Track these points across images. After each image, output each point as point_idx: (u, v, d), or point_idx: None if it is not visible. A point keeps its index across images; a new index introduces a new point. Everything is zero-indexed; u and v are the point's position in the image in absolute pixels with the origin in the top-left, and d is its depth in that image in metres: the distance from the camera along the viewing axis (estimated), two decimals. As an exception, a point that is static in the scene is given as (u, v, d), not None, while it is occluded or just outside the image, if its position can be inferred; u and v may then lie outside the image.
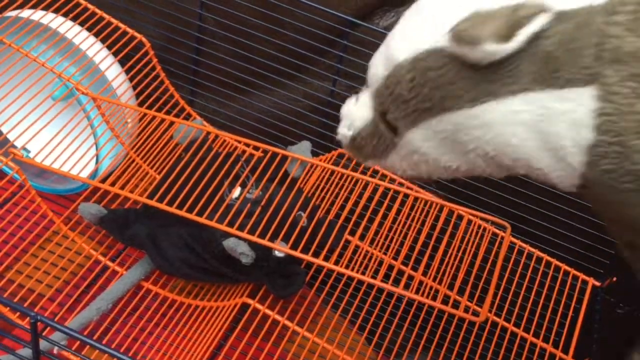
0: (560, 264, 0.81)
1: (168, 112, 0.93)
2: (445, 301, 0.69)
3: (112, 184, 0.77)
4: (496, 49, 0.37)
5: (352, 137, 0.48)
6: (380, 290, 0.78)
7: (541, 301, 0.78)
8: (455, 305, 0.76)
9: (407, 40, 0.42)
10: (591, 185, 0.40)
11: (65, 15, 0.86)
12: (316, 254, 0.64)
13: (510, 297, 0.79)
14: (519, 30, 0.37)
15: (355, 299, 0.78)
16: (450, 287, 0.80)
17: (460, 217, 0.80)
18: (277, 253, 0.70)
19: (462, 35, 0.37)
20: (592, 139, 0.38)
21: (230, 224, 0.66)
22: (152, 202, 0.68)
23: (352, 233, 0.83)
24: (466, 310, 0.78)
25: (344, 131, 0.48)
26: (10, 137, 0.88)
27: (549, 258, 0.81)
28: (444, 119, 0.42)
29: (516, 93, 0.39)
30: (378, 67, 0.45)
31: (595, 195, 0.42)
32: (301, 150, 0.78)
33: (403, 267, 0.80)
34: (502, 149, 0.41)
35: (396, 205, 0.73)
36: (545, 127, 0.39)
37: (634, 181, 0.38)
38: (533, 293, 0.79)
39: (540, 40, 0.37)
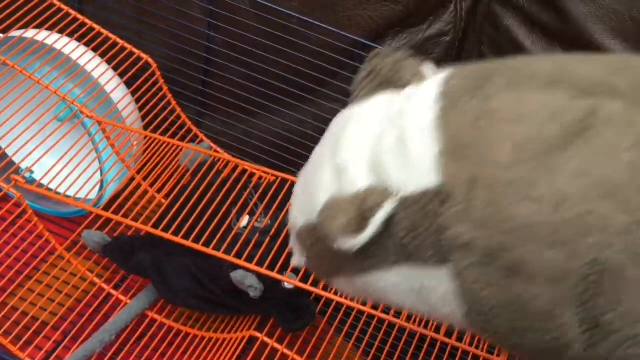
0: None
1: (175, 134, 0.91)
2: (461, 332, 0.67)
3: (118, 209, 0.75)
4: (349, 243, 0.37)
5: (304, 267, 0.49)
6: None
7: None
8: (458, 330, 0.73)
9: (299, 209, 0.44)
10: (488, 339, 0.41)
11: (70, 35, 0.84)
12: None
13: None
14: (368, 220, 0.37)
15: (369, 327, 0.76)
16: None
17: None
18: (286, 285, 0.68)
19: (319, 228, 0.39)
20: (465, 310, 0.38)
21: (238, 255, 0.64)
22: (158, 232, 0.66)
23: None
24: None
25: (297, 264, 0.49)
26: (16, 158, 0.86)
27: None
28: (347, 280, 0.43)
29: (390, 267, 0.39)
30: (290, 229, 0.46)
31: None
32: (311, 177, 0.75)
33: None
34: (404, 308, 0.42)
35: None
36: (424, 297, 0.39)
37: (513, 348, 0.38)
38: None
39: (394, 223, 0.38)
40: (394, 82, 0.42)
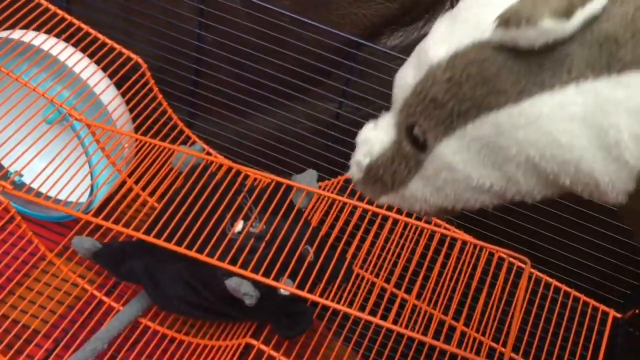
0: (579, 295, 0.77)
1: (166, 135, 0.89)
2: (461, 333, 0.65)
3: (109, 214, 0.73)
4: (554, 28, 0.34)
5: (369, 166, 0.44)
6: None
7: (561, 333, 0.75)
8: (458, 335, 0.72)
9: (445, 39, 0.39)
10: None
11: (57, 36, 0.82)
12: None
13: (528, 329, 0.75)
14: (577, 9, 0.34)
15: (368, 331, 0.74)
16: (462, 316, 0.76)
17: (479, 248, 0.77)
18: (282, 291, 0.67)
19: (516, 17, 0.35)
20: None
21: (233, 261, 0.62)
22: (149, 238, 0.65)
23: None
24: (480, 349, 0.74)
25: (361, 158, 0.44)
26: (5, 162, 0.84)
27: (567, 288, 0.77)
28: (484, 122, 0.38)
29: (568, 83, 0.35)
30: (407, 76, 0.42)
31: None
32: (306, 180, 0.74)
33: (417, 302, 0.76)
34: (549, 150, 0.37)
35: (410, 236, 0.70)
36: (600, 120, 0.35)
37: None
38: (552, 325, 0.75)
39: (597, 24, 0.35)
40: None
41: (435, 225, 0.77)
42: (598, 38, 0.35)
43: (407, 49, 0.74)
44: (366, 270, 0.80)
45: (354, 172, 0.46)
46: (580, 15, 0.34)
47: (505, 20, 0.35)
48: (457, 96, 0.38)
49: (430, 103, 0.39)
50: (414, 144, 0.42)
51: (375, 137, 0.44)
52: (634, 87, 0.34)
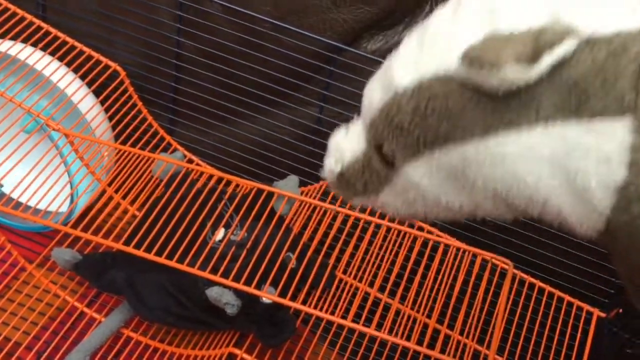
0: (563, 295, 0.77)
1: (147, 142, 0.88)
2: (446, 336, 0.65)
3: (89, 223, 0.72)
4: (518, 75, 0.33)
5: (340, 173, 0.44)
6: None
7: (545, 333, 0.75)
8: (442, 338, 0.72)
9: (411, 64, 0.38)
10: (616, 231, 0.36)
11: (34, 45, 0.81)
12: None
13: (513, 330, 0.75)
14: (543, 54, 0.33)
15: (354, 335, 0.74)
16: (446, 319, 0.76)
17: (462, 251, 0.77)
18: (264, 300, 0.66)
19: (478, 59, 0.33)
20: (624, 179, 0.33)
21: (214, 270, 0.62)
22: (129, 249, 0.64)
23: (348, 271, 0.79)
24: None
25: (332, 165, 0.44)
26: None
27: (551, 289, 0.77)
28: (450, 152, 0.37)
29: (535, 124, 0.34)
30: (374, 94, 0.40)
31: (619, 242, 0.37)
32: (288, 186, 0.73)
33: (400, 306, 0.76)
34: (515, 187, 0.36)
35: (393, 240, 0.69)
36: (568, 165, 0.34)
37: None
38: (537, 325, 0.75)
39: (566, 68, 0.33)
40: None
41: (419, 229, 0.76)
42: (567, 83, 0.34)
43: (388, 53, 0.73)
44: (349, 275, 0.80)
45: (327, 176, 0.45)
46: (547, 60, 0.33)
47: (468, 62, 0.34)
48: (422, 126, 0.37)
49: (396, 129, 0.39)
50: (383, 161, 0.41)
51: (346, 144, 0.43)
52: (604, 135, 0.33)
